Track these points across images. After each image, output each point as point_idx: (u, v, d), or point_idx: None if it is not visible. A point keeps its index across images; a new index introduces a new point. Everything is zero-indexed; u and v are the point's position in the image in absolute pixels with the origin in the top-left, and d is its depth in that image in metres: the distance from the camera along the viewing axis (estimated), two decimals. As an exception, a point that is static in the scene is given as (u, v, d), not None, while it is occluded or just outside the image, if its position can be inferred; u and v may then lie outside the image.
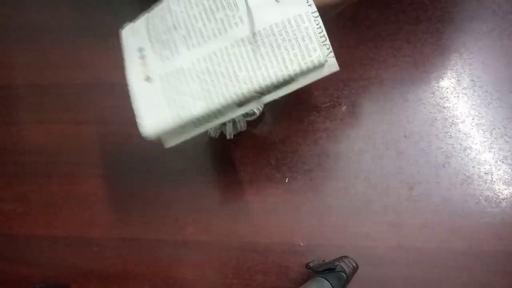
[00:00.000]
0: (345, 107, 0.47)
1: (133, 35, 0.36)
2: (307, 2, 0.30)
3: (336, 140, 0.46)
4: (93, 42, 0.53)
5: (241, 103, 0.32)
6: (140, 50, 0.35)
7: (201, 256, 0.46)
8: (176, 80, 0.33)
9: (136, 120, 0.34)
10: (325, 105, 0.47)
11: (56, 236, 0.48)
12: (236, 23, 0.32)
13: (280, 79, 0.31)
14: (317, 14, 0.30)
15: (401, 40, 0.47)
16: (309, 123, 0.47)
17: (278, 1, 0.31)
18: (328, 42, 0.31)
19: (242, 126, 0.44)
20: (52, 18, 0.54)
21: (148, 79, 0.34)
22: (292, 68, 0.31)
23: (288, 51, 0.31)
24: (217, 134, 0.44)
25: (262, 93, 0.32)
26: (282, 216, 0.46)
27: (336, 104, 0.47)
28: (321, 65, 0.31)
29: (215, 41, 0.32)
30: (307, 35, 0.31)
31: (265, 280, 0.45)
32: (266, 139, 0.47)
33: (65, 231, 0.48)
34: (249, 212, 0.46)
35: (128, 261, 0.47)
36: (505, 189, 0.43)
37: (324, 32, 0.30)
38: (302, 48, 0.31)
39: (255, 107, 0.33)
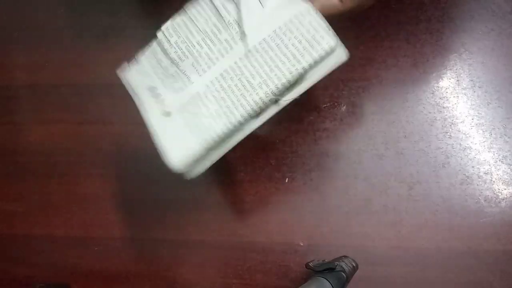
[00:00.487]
0: (345, 107, 0.47)
1: (139, 76, 0.36)
2: (303, 0, 0.31)
3: (336, 140, 0.46)
4: (93, 42, 0.53)
5: (260, 111, 0.32)
6: (152, 89, 0.35)
7: (201, 256, 0.46)
8: (194, 106, 0.34)
9: (162, 157, 0.34)
10: (325, 105, 0.47)
11: (56, 236, 0.48)
12: (240, 39, 0.33)
13: (295, 74, 0.31)
14: (315, 8, 0.31)
15: (401, 40, 0.47)
16: (309, 123, 0.47)
17: (275, 6, 0.31)
18: (331, 30, 0.31)
19: None
20: (52, 18, 0.54)
21: (166, 114, 0.35)
22: (304, 61, 0.31)
23: (297, 47, 0.31)
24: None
25: (279, 96, 0.32)
26: (282, 216, 0.46)
27: (336, 104, 0.47)
28: (332, 52, 0.31)
29: (224, 60, 0.33)
30: (312, 26, 0.31)
31: (265, 280, 0.45)
32: (266, 139, 0.47)
33: (65, 231, 0.49)
34: (249, 212, 0.46)
35: (128, 261, 0.47)
36: (505, 189, 0.43)
37: (326, 23, 0.31)
38: (310, 39, 0.31)
39: (273, 114, 0.33)
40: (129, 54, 0.52)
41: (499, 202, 0.43)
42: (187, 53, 0.34)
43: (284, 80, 0.32)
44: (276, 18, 0.31)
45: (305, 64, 0.31)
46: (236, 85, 0.33)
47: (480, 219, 0.43)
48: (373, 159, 0.45)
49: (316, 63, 0.31)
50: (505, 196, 0.43)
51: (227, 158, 0.47)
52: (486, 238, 0.43)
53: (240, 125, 0.33)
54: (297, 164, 0.46)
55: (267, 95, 0.32)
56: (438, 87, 0.46)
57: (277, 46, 0.32)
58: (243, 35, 0.33)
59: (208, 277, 0.46)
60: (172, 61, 0.35)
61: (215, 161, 0.34)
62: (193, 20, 0.34)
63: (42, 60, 0.53)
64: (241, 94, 0.32)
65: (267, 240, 0.45)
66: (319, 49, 0.31)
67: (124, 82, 0.37)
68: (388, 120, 0.46)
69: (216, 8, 0.33)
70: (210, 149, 0.33)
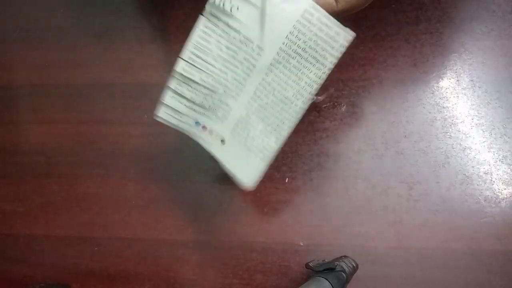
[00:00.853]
0: (345, 107, 0.47)
1: (179, 116, 0.37)
2: None
3: (336, 140, 0.46)
4: (93, 42, 0.53)
5: (302, 116, 0.34)
6: (197, 124, 0.36)
7: (201, 256, 0.46)
8: (244, 129, 0.35)
9: (236, 180, 0.37)
10: (325, 105, 0.47)
11: (56, 236, 0.48)
12: (258, 54, 0.32)
13: (324, 77, 0.32)
14: (317, 5, 0.30)
15: (400, 40, 0.47)
16: (309, 123, 0.47)
17: (281, 6, 0.31)
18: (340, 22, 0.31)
19: None
20: (52, 18, 0.54)
21: (223, 141, 0.36)
22: (328, 62, 0.31)
23: (315, 49, 0.31)
24: None
25: (314, 97, 0.33)
26: (282, 216, 0.46)
27: (336, 104, 0.47)
28: (349, 43, 0.31)
29: (251, 79, 0.33)
30: (323, 24, 0.30)
31: (265, 280, 0.45)
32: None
33: (65, 231, 0.49)
34: (249, 212, 0.46)
35: (128, 261, 0.47)
36: (505, 189, 0.43)
37: (332, 17, 0.31)
38: (326, 39, 0.31)
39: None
40: (129, 54, 0.52)
41: (499, 202, 0.43)
42: (215, 83, 0.34)
43: (315, 86, 0.32)
44: (284, 22, 0.31)
45: (330, 65, 0.31)
46: (273, 101, 0.33)
47: (480, 219, 0.43)
48: (373, 159, 0.45)
49: (338, 59, 0.31)
50: (505, 196, 0.43)
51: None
52: (486, 238, 0.43)
53: (289, 133, 0.34)
54: (297, 164, 0.46)
55: (304, 103, 0.33)
56: (438, 87, 0.46)
57: (295, 52, 0.32)
58: (259, 49, 0.32)
59: (208, 277, 0.46)
60: (205, 96, 0.35)
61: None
62: (204, 49, 0.34)
63: (42, 60, 0.53)
64: (281, 108, 0.33)
65: (267, 240, 0.45)
66: (339, 47, 0.31)
67: (169, 124, 0.38)
68: (388, 120, 0.46)
69: (220, 29, 0.33)
70: (270, 160, 0.35)
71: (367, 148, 0.46)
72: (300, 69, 0.32)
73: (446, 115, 0.45)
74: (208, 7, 0.33)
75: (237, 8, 0.32)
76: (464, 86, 0.46)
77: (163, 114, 0.37)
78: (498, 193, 0.43)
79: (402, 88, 0.46)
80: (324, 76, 0.32)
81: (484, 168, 0.44)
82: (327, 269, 0.39)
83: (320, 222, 0.45)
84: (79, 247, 0.48)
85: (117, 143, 0.50)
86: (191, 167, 0.48)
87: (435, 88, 0.46)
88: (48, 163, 0.50)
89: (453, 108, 0.45)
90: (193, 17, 0.52)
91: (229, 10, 0.32)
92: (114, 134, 0.50)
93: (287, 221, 0.45)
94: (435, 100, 0.46)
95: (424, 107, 0.46)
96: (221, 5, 0.32)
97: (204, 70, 0.34)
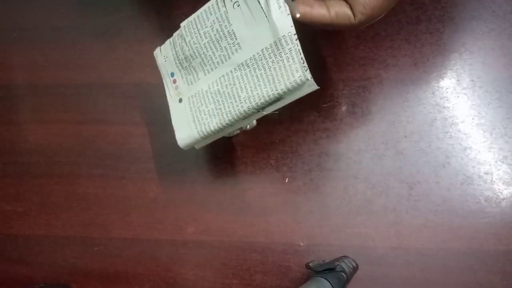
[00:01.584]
0: (345, 107, 0.47)
1: (165, 61, 0.42)
2: (291, 25, 0.33)
3: (336, 140, 0.46)
4: (93, 42, 0.53)
5: (245, 117, 0.38)
6: (172, 75, 0.42)
7: (201, 256, 0.46)
8: (198, 101, 0.40)
9: (175, 134, 0.41)
10: (325, 105, 0.47)
11: (56, 236, 0.49)
12: (236, 49, 0.36)
13: (272, 97, 0.35)
14: (296, 36, 0.33)
15: (401, 40, 0.47)
16: (309, 123, 0.47)
17: (269, 22, 0.34)
18: (305, 63, 0.33)
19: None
20: (52, 18, 0.54)
21: (180, 100, 0.41)
22: (280, 88, 0.34)
23: (277, 72, 0.34)
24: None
25: (260, 109, 0.36)
26: (282, 216, 0.46)
27: (336, 104, 0.47)
28: (303, 84, 0.34)
29: (223, 66, 0.37)
30: (291, 56, 0.33)
31: (265, 280, 0.45)
32: (266, 139, 0.47)
33: (65, 231, 0.49)
34: (249, 212, 0.46)
35: (128, 261, 0.47)
36: (505, 189, 0.43)
37: (302, 54, 0.33)
38: (287, 68, 0.34)
39: (257, 118, 0.38)
40: (129, 54, 0.52)
41: (500, 202, 0.43)
42: (196, 53, 0.38)
43: (263, 100, 0.35)
44: (264, 37, 0.34)
45: (280, 91, 0.35)
46: (228, 93, 0.37)
47: (481, 219, 0.43)
48: (373, 159, 0.45)
49: (289, 90, 0.34)
50: (506, 196, 0.43)
51: (227, 158, 0.48)
52: (487, 238, 0.43)
53: (229, 125, 0.38)
54: (297, 164, 0.46)
55: (249, 109, 0.36)
56: (439, 87, 0.46)
57: (262, 66, 0.35)
58: (238, 46, 0.36)
59: (208, 277, 0.46)
60: (186, 57, 0.39)
61: (209, 142, 0.41)
62: (202, 23, 0.38)
63: (42, 60, 0.53)
64: (230, 102, 0.37)
65: (267, 240, 0.45)
66: (292, 81, 0.34)
67: (158, 63, 0.43)
68: (388, 120, 0.46)
69: (220, 14, 0.36)
70: (205, 138, 0.40)
71: (367, 148, 0.46)
72: (259, 81, 0.35)
73: (447, 115, 0.45)
74: None
75: (238, 5, 0.35)
76: (465, 86, 0.46)
77: (157, 52, 0.42)
78: (498, 193, 0.43)
79: (402, 88, 0.46)
80: (273, 97, 0.35)
81: (484, 168, 0.44)
82: (327, 269, 0.39)
83: (320, 222, 0.45)
84: (78, 247, 0.48)
85: (117, 143, 0.50)
86: (191, 167, 0.48)
87: (435, 88, 0.46)
88: (48, 163, 0.50)
89: (453, 108, 0.45)
90: (193, 17, 0.52)
91: (233, 3, 0.35)
92: (114, 134, 0.50)
93: (287, 221, 0.45)
94: (436, 100, 0.46)
95: (424, 107, 0.46)
96: None
97: (194, 37, 0.38)
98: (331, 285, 0.37)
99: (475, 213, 0.43)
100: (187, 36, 0.39)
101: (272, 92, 0.35)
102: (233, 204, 0.46)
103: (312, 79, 0.34)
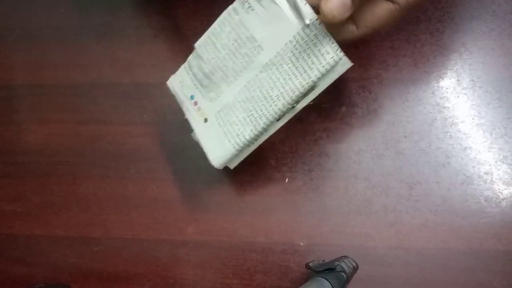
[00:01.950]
0: (345, 107, 0.47)
1: (182, 86, 0.41)
2: (311, 11, 0.33)
3: (336, 140, 0.46)
4: (93, 42, 0.53)
5: (279, 117, 0.37)
6: (192, 97, 0.41)
7: (201, 256, 0.46)
8: (226, 114, 0.39)
9: (208, 157, 0.40)
10: (325, 105, 0.47)
11: (56, 236, 0.48)
12: (258, 52, 0.36)
13: (306, 87, 0.35)
14: (319, 20, 0.33)
15: (401, 40, 0.47)
16: (309, 123, 0.47)
17: (287, 15, 0.34)
18: (335, 42, 0.33)
19: None
20: (52, 18, 0.54)
21: (206, 120, 0.40)
22: (313, 75, 0.34)
23: (306, 61, 0.34)
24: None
25: (295, 104, 0.36)
26: (282, 216, 0.46)
27: (336, 104, 0.47)
28: (336, 64, 0.34)
29: (246, 73, 0.37)
30: (318, 41, 0.33)
31: (265, 280, 0.45)
32: (265, 139, 0.47)
33: (65, 231, 0.49)
34: (249, 212, 0.46)
35: (128, 261, 0.47)
36: (505, 189, 0.43)
37: (329, 35, 0.33)
38: (317, 53, 0.34)
39: (290, 117, 0.38)
40: (129, 54, 0.52)
41: (500, 202, 0.43)
42: (216, 67, 0.39)
43: (298, 93, 0.35)
44: (287, 30, 0.34)
45: (314, 78, 0.34)
46: (258, 96, 0.37)
47: (481, 219, 0.43)
48: (373, 159, 0.45)
49: (323, 75, 0.34)
50: (506, 196, 0.43)
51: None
52: (487, 238, 0.43)
53: (264, 130, 0.38)
54: (297, 164, 0.46)
55: (284, 106, 0.36)
56: (439, 87, 0.46)
57: (289, 59, 0.35)
58: (260, 48, 0.36)
59: (208, 277, 0.46)
60: (205, 75, 0.39)
61: (244, 157, 0.40)
62: (217, 36, 0.38)
63: (42, 60, 0.53)
64: (263, 104, 0.37)
65: (267, 240, 0.45)
66: (325, 64, 0.34)
67: (173, 92, 0.42)
68: (388, 120, 0.46)
69: (235, 22, 0.37)
70: (241, 150, 0.39)
71: (367, 148, 0.46)
72: (289, 75, 0.35)
73: (447, 115, 0.45)
74: (236, 1, 0.37)
75: (252, 9, 0.35)
76: (465, 86, 0.46)
77: (172, 80, 0.42)
78: (498, 193, 0.43)
79: (402, 88, 0.46)
80: (307, 87, 0.35)
81: (484, 168, 0.44)
82: (327, 269, 0.39)
83: (320, 222, 0.45)
84: (78, 247, 0.48)
85: (117, 143, 0.50)
86: (191, 167, 0.48)
87: (435, 88, 0.46)
88: (48, 163, 0.50)
89: (453, 108, 0.45)
90: (193, 17, 0.52)
91: (246, 9, 0.36)
92: (114, 134, 0.50)
93: (287, 221, 0.45)
94: (436, 100, 0.46)
95: (424, 107, 0.46)
96: (243, 2, 0.36)
97: (212, 52, 0.38)
98: (331, 285, 0.37)
99: (475, 213, 0.43)
100: (203, 53, 0.39)
101: (305, 82, 0.34)
102: (233, 204, 0.46)
103: (346, 56, 0.33)
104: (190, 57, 0.40)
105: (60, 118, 0.51)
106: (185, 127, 0.44)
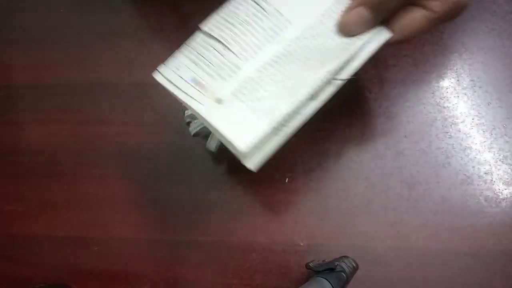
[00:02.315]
0: (344, 107, 0.47)
1: (178, 71, 0.36)
2: None
3: (336, 140, 0.46)
4: (93, 42, 0.53)
5: (317, 93, 0.34)
6: (194, 80, 0.35)
7: (201, 256, 0.46)
8: (251, 90, 0.34)
9: (231, 142, 0.33)
10: (324, 105, 0.47)
11: (56, 236, 0.48)
12: (285, 26, 0.34)
13: (345, 57, 0.33)
14: None
15: (401, 40, 0.47)
16: (309, 123, 0.47)
17: None
18: None
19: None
20: (52, 18, 0.54)
21: (219, 101, 0.35)
22: (352, 44, 0.33)
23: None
24: (217, 148, 0.44)
25: (334, 75, 0.34)
26: (282, 216, 0.46)
27: (335, 104, 0.47)
28: (374, 35, 0.33)
29: (271, 46, 0.34)
30: None
31: (265, 280, 0.45)
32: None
33: (65, 231, 0.49)
34: (249, 212, 0.46)
35: (128, 261, 0.47)
36: (505, 189, 0.43)
37: None
38: None
39: (329, 95, 0.35)
40: (130, 54, 0.52)
41: (500, 202, 0.43)
42: (232, 42, 0.35)
43: (337, 61, 0.33)
44: (320, 4, 0.33)
45: (353, 46, 0.33)
46: (292, 68, 0.34)
47: (481, 219, 0.43)
48: (373, 159, 0.45)
49: (364, 44, 0.33)
50: (506, 196, 0.43)
51: (227, 158, 0.48)
52: (487, 238, 0.43)
53: (302, 105, 0.34)
54: (297, 164, 0.46)
55: (324, 76, 0.33)
56: (439, 87, 0.46)
57: (324, 31, 0.33)
58: (288, 22, 0.34)
59: (208, 277, 0.46)
60: (215, 53, 0.35)
61: (273, 151, 0.35)
62: (232, 14, 0.35)
63: (42, 60, 0.53)
64: (299, 75, 0.33)
65: (267, 240, 0.45)
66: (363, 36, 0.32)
67: (161, 81, 0.37)
68: (388, 120, 0.46)
69: (254, 1, 0.35)
70: (275, 129, 0.34)
71: (367, 148, 0.46)
72: (326, 46, 0.33)
73: (447, 115, 0.45)
74: None
75: None
76: (465, 86, 0.46)
77: (162, 71, 0.37)
78: (498, 193, 0.43)
79: (403, 88, 0.46)
80: (347, 56, 0.33)
81: (484, 168, 0.44)
82: (327, 269, 0.39)
83: (320, 222, 0.45)
84: (79, 247, 0.48)
85: (117, 143, 0.50)
86: (191, 167, 0.48)
87: (435, 88, 0.46)
88: (48, 163, 0.50)
89: (453, 108, 0.45)
90: (193, 17, 0.52)
91: None
92: (114, 134, 0.50)
93: (287, 221, 0.45)
94: (436, 100, 0.46)
95: (424, 107, 0.46)
96: None
97: (226, 29, 0.35)
98: (331, 285, 0.37)
99: (475, 213, 0.43)
100: (213, 31, 0.36)
101: (343, 51, 0.33)
102: (233, 204, 0.47)
103: (384, 27, 0.33)
104: (196, 39, 0.36)
105: (60, 118, 0.51)
106: (185, 127, 0.44)
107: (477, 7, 0.47)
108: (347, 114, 0.47)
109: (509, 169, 0.44)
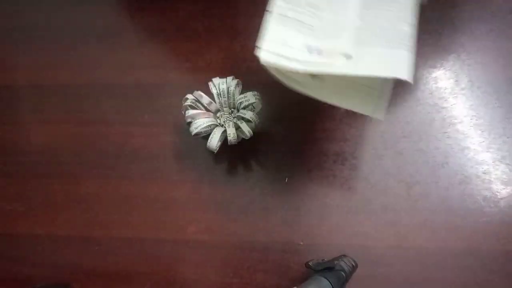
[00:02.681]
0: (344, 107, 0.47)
1: (286, 45, 0.33)
2: None
3: (336, 140, 0.47)
4: (93, 42, 0.53)
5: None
6: (310, 49, 0.33)
7: (201, 255, 0.46)
8: (371, 33, 0.34)
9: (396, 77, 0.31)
10: (325, 105, 0.47)
11: (57, 235, 0.49)
12: None
13: None
14: None
15: (400, 40, 0.47)
16: (309, 123, 0.47)
17: None
18: None
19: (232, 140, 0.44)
20: (52, 18, 0.55)
21: (348, 56, 0.33)
22: None
23: None
24: (217, 148, 0.44)
25: None
26: (282, 216, 0.46)
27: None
28: None
29: None
30: None
31: (265, 279, 0.45)
32: (266, 139, 0.48)
33: (65, 231, 0.49)
34: (249, 212, 0.46)
35: (129, 261, 0.47)
36: (503, 189, 0.44)
37: None
38: None
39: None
40: (130, 54, 0.52)
41: (498, 201, 0.43)
42: (319, 3, 0.34)
43: None
44: None
45: None
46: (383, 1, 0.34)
47: (479, 218, 0.43)
48: (373, 159, 0.46)
49: None
50: (504, 196, 0.44)
51: (227, 158, 0.48)
52: (485, 237, 0.43)
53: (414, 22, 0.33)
54: (298, 164, 0.47)
55: None
56: (437, 87, 0.46)
57: None
58: None
59: (208, 276, 0.46)
60: (311, 14, 0.34)
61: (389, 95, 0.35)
62: None
63: (42, 60, 0.54)
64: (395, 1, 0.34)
65: (267, 240, 0.46)
66: None
67: (269, 58, 0.32)
68: (387, 120, 0.46)
69: None
70: (412, 51, 0.33)
71: (366, 148, 0.46)
72: None
73: (445, 115, 0.46)
74: None
75: None
76: (463, 86, 0.46)
77: (269, 47, 0.32)
78: (496, 193, 0.44)
79: (401, 88, 0.47)
80: None
81: (483, 168, 0.44)
82: (327, 268, 0.39)
83: (320, 222, 0.45)
84: (79, 246, 0.48)
85: (118, 143, 0.50)
86: (191, 167, 0.48)
87: (434, 88, 0.46)
88: (49, 163, 0.50)
89: (452, 108, 0.46)
90: (192, 18, 0.52)
91: None
92: (114, 134, 0.50)
93: (287, 221, 0.46)
94: (434, 100, 0.46)
95: (423, 107, 0.46)
96: None
97: None
98: (331, 284, 0.38)
99: (473, 212, 0.43)
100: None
101: None
102: (234, 204, 0.47)
103: None
104: (275, 12, 0.34)
105: (61, 118, 0.52)
106: (185, 127, 0.44)
107: (475, 8, 0.47)
108: (347, 114, 0.47)
109: (507, 169, 0.44)
